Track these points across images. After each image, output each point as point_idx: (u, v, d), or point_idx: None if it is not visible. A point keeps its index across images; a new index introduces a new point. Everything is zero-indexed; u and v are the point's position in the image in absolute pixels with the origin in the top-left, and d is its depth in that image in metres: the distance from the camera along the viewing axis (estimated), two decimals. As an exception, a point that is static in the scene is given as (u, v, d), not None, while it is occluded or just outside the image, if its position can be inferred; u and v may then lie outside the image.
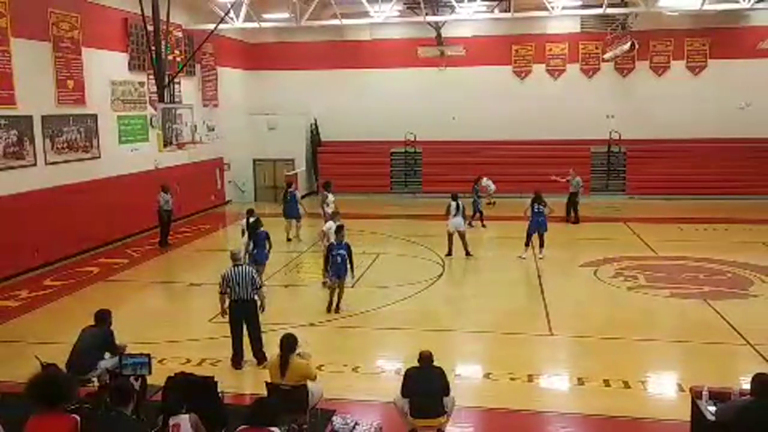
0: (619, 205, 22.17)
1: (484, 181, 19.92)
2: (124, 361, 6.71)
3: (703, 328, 10.07)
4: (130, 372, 6.60)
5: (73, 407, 5.41)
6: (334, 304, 10.88)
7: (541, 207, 14.46)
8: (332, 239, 12.20)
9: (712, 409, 5.73)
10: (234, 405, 6.86)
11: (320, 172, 25.43)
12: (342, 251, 10.70)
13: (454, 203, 14.50)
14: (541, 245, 14.61)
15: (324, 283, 12.34)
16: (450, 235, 14.71)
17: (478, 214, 18.12)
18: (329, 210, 15.74)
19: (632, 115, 24.04)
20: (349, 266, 10.75)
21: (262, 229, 12.11)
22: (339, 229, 11.13)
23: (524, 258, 14.48)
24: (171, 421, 5.15)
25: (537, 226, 14.50)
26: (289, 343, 6.57)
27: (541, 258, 14.45)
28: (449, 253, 14.71)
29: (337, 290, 10.88)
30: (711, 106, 23.41)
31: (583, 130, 24.15)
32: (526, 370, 8.44)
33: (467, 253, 14.64)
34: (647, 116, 23.92)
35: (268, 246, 12.06)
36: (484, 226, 18.08)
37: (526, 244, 14.63)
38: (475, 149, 24.23)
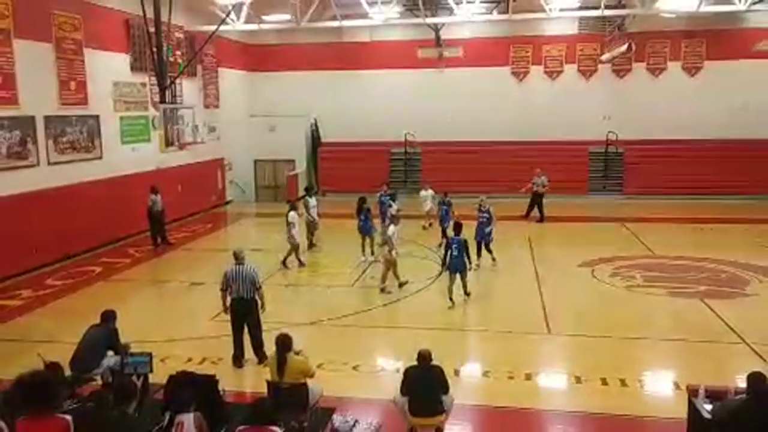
0: (617, 205, 22.23)
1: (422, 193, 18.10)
2: (125, 360, 6.79)
3: (699, 327, 10.14)
4: (132, 371, 6.68)
5: (75, 406, 5.47)
6: (451, 296, 11.26)
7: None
8: (395, 244, 12.13)
9: (709, 407, 5.79)
10: (235, 403, 6.92)
11: (320, 172, 25.56)
12: (456, 244, 11.15)
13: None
14: (489, 253, 13.98)
15: (382, 289, 12.13)
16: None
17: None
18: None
19: (629, 116, 24.10)
20: (466, 258, 11.27)
21: (365, 205, 14.70)
22: (456, 226, 11.72)
23: (477, 267, 13.49)
24: (176, 419, 5.21)
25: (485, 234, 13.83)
26: (284, 342, 6.59)
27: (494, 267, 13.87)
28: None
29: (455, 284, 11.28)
30: (708, 107, 23.46)
31: (580, 131, 24.19)
32: (524, 369, 8.51)
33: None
34: (644, 117, 23.97)
35: (371, 221, 14.40)
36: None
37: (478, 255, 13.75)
38: (474, 150, 24.28)
